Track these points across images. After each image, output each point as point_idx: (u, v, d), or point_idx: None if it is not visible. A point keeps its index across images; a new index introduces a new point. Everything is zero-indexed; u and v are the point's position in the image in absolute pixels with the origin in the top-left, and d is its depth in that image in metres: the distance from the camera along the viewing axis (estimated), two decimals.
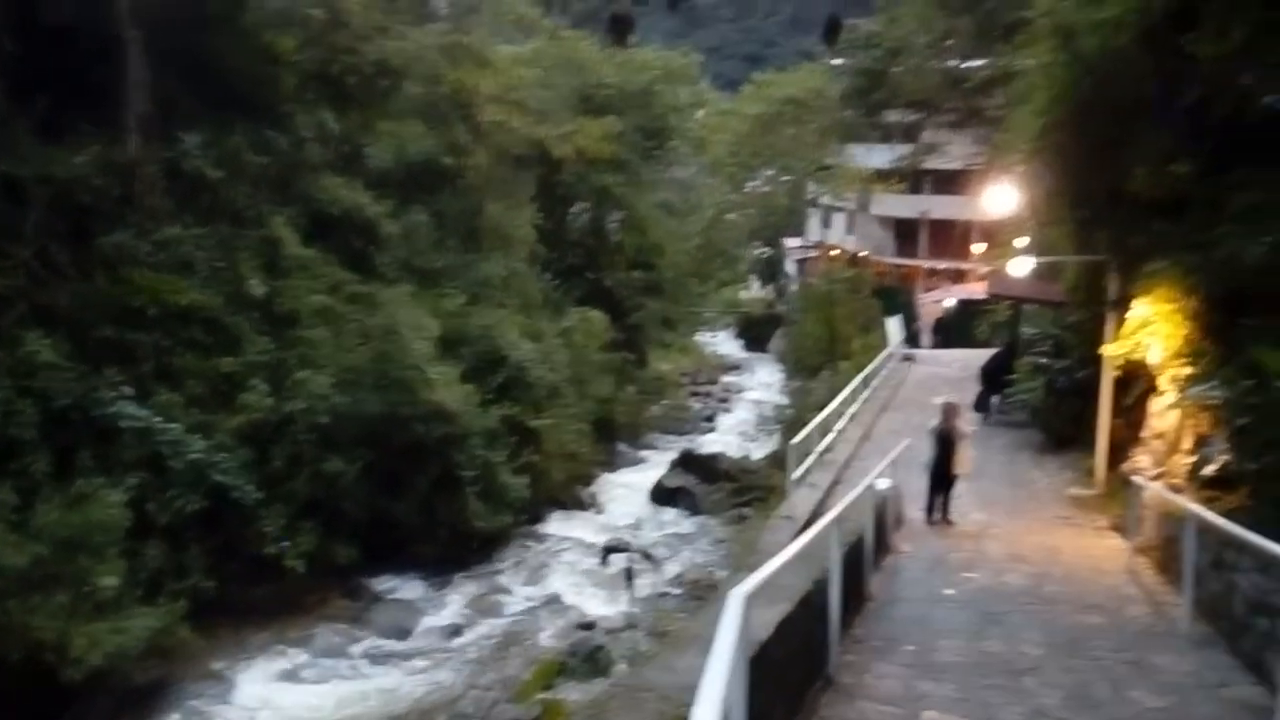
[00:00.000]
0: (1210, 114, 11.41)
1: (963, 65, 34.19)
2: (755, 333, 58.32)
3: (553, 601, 20.63)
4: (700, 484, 27.91)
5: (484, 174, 28.09)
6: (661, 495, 28.24)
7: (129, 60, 19.68)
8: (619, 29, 12.84)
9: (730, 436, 35.16)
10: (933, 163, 43.46)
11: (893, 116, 44.11)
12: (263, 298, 20.70)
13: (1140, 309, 13.02)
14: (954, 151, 39.68)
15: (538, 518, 25.33)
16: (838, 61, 40.37)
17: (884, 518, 11.90)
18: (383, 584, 20.77)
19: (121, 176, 19.51)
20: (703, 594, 19.00)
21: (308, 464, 19.42)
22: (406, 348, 21.12)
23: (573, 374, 28.40)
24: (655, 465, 31.19)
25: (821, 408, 19.60)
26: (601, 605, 20.44)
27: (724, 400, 44.35)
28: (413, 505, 21.19)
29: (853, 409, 21.50)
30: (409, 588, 20.92)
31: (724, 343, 57.29)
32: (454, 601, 20.66)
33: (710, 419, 40.02)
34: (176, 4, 20.59)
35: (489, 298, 26.90)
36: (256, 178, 21.95)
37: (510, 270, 28.89)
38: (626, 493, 28.92)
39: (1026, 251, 18.71)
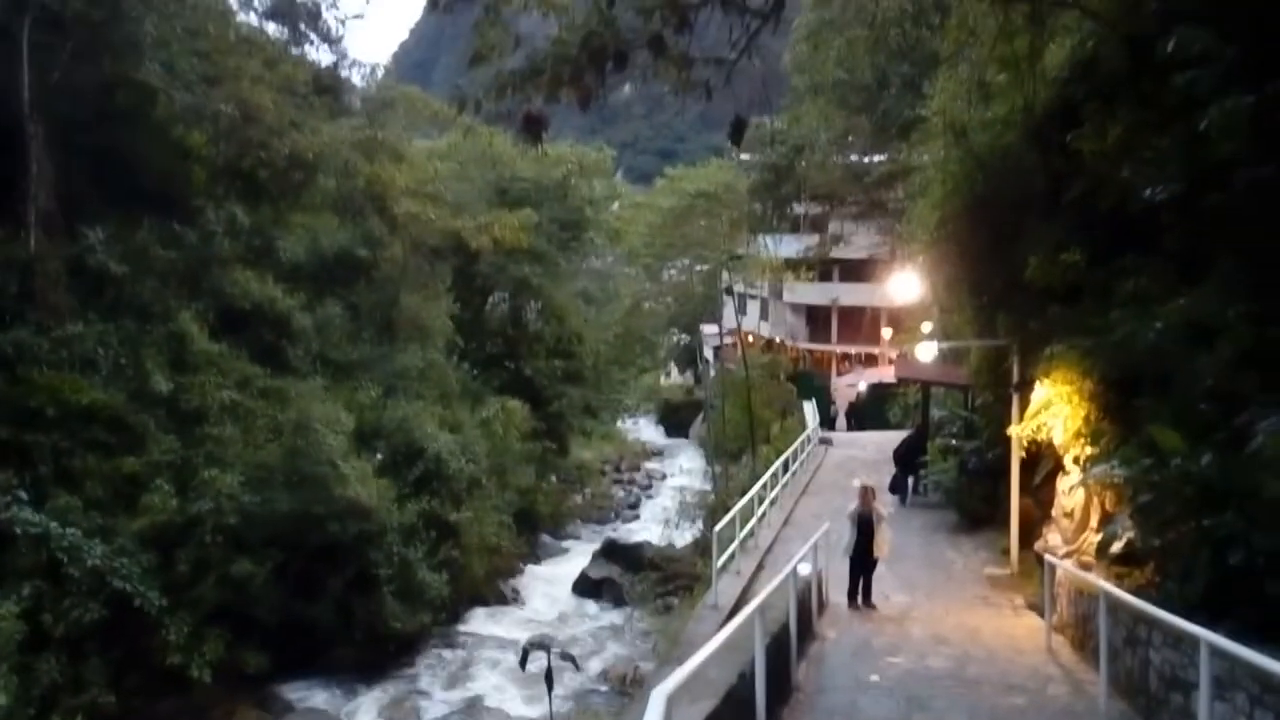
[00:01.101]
0: (1096, 206, 12.10)
1: (864, 160, 35.68)
2: (676, 418, 58.66)
3: (474, 705, 19.98)
4: (624, 574, 27.60)
5: (400, 265, 27.99)
6: (585, 587, 27.81)
7: (31, 154, 19.26)
8: (533, 128, 13.11)
9: (654, 524, 34.97)
10: (840, 252, 44.91)
11: (800, 208, 45.61)
12: (168, 395, 20.09)
13: (1042, 391, 13.50)
14: (860, 241, 41.14)
15: (458, 615, 24.65)
16: (746, 157, 41.73)
17: (808, 604, 11.90)
18: (295, 692, 19.85)
19: (21, 273, 18.94)
20: (629, 690, 18.62)
21: (215, 567, 18.65)
22: (320, 443, 20.64)
23: (493, 464, 28.06)
24: (579, 555, 30.78)
25: (743, 492, 19.69)
26: (524, 706, 19.84)
27: (647, 487, 44.26)
28: (327, 608, 20.44)
29: (774, 493, 21.67)
30: (323, 695, 20.04)
31: (646, 429, 57.44)
32: (370, 709, 19.84)
33: (634, 506, 39.84)
34: (84, 98, 20.32)
35: (406, 389, 26.57)
36: (164, 272, 21.52)
37: (427, 361, 28.64)
38: (549, 585, 28.42)
39: (932, 336, 19.33)
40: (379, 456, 23.09)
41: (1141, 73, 11.07)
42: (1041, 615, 12.74)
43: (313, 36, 26.34)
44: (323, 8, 25.92)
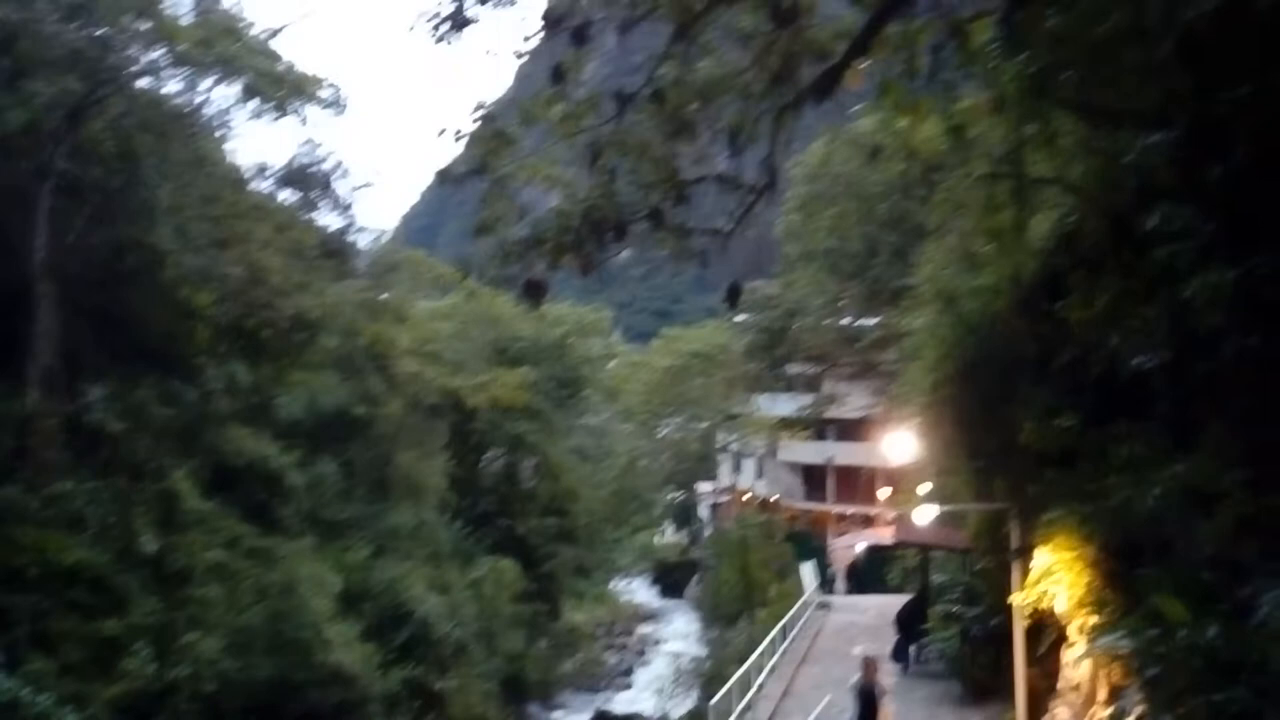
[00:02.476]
0: (1087, 372, 12.27)
1: (856, 324, 36.44)
2: (671, 579, 57.51)
3: None
4: None
5: (396, 423, 28.12)
6: None
7: (39, 312, 19.63)
8: (534, 294, 13.50)
9: (647, 693, 33.74)
10: (835, 411, 45.16)
11: (795, 369, 46.19)
12: (154, 555, 19.75)
13: (1043, 557, 13.31)
14: (854, 401, 41.43)
15: None
16: (741, 318, 42.69)
17: None
18: None
19: (17, 430, 18.95)
20: None
21: None
22: (304, 605, 20.16)
23: (481, 628, 27.34)
24: None
25: (741, 660, 19.10)
26: None
27: (641, 652, 42.93)
28: None
29: (772, 661, 20.98)
30: None
31: (640, 590, 56.20)
32: None
33: (626, 673, 38.52)
34: (95, 259, 20.86)
35: (396, 549, 26.17)
36: (160, 430, 21.55)
37: (419, 520, 28.34)
38: None
39: (929, 499, 19.19)
40: (365, 620, 22.51)
41: (1124, 245, 11.45)
42: None
43: (323, 203, 27.34)
44: (334, 177, 27.02)
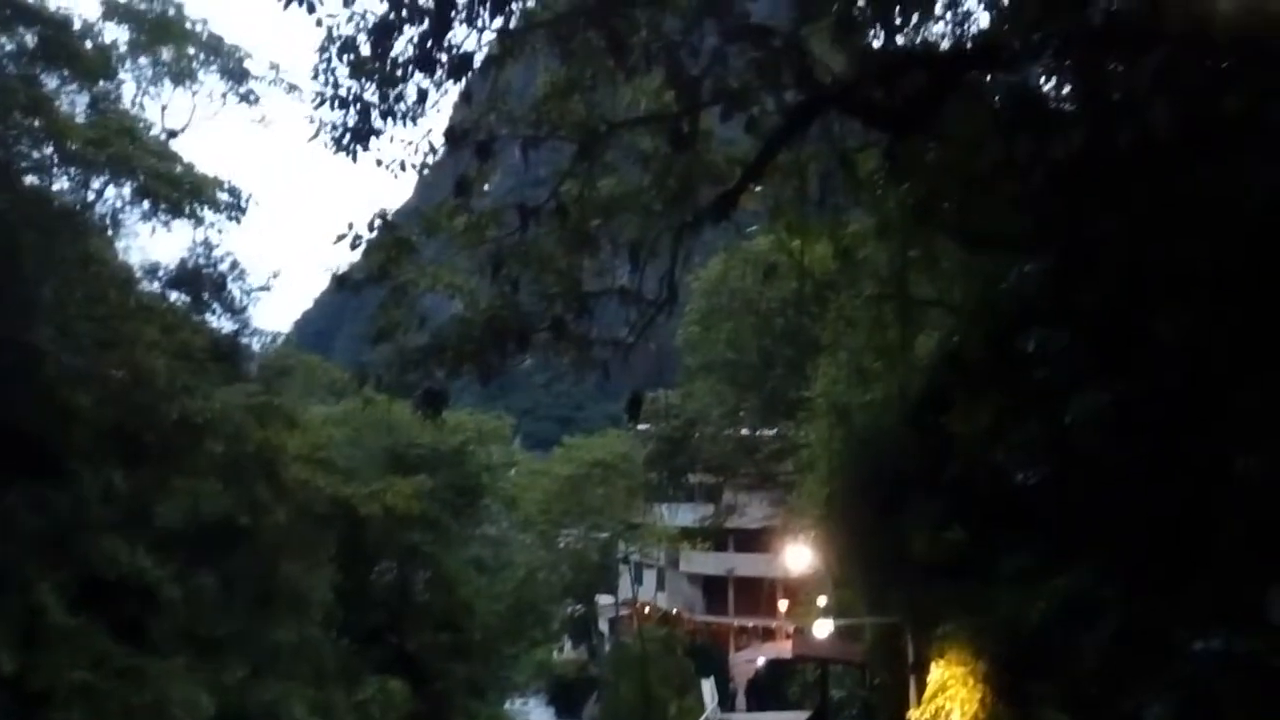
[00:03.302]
0: (973, 486, 12.66)
1: (755, 434, 36.96)
2: (569, 698, 55.76)
3: None
4: None
5: (282, 533, 26.91)
6: None
7: None
8: (432, 403, 13.29)
9: None
10: (736, 522, 45.32)
11: (695, 478, 46.38)
12: (12, 675, 18.24)
13: (937, 671, 13.43)
14: (755, 512, 41.71)
15: None
16: (643, 427, 42.88)
17: None
18: None
19: None
20: None
21: None
22: None
23: None
24: None
25: None
26: None
27: None
28: None
29: None
30: None
31: (535, 710, 54.20)
32: None
33: None
34: None
35: (277, 668, 24.76)
36: (28, 540, 20.18)
37: (303, 636, 26.92)
38: None
39: (827, 611, 19.28)
40: None
41: (1004, 364, 12.01)
42: None
43: (216, 305, 26.69)
44: (229, 279, 26.48)
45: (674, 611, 55.06)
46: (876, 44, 8.99)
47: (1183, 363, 8.68)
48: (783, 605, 43.56)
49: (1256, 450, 8.45)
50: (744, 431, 37.50)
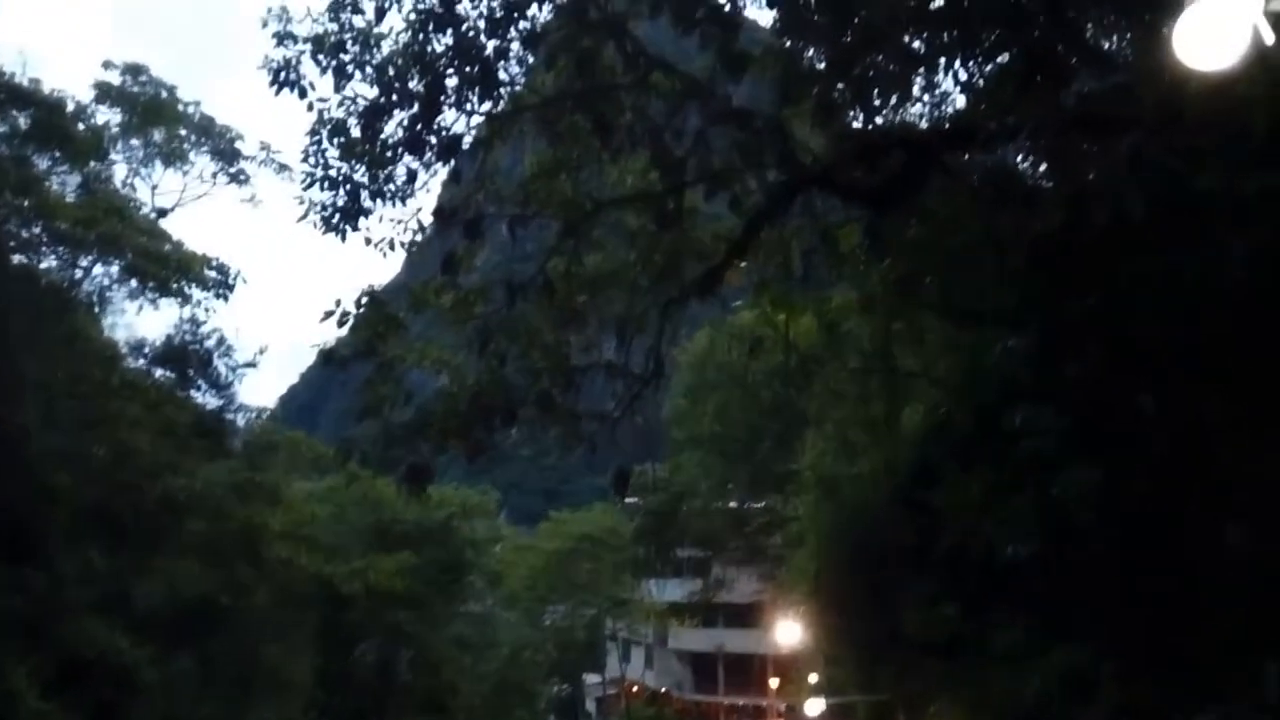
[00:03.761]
0: (964, 560, 12.56)
1: (744, 507, 36.70)
2: None
3: None
4: None
5: (263, 614, 26.45)
6: None
7: None
8: (417, 479, 13.17)
9: None
10: (725, 597, 44.69)
11: (684, 553, 45.86)
12: None
13: None
14: (744, 587, 41.19)
15: None
16: (630, 500, 42.54)
17: None
18: None
19: None
20: None
21: None
22: None
23: None
24: None
25: None
26: None
27: None
28: None
29: None
30: None
31: None
32: None
33: None
34: None
35: None
36: (3, 621, 19.72)
37: None
38: None
39: (818, 689, 18.95)
40: None
41: (991, 438, 12.02)
42: None
43: (201, 382, 26.59)
44: (215, 355, 26.42)
45: (663, 690, 53.95)
46: (856, 125, 9.20)
47: (1169, 435, 8.73)
48: (774, 683, 42.80)
49: (1245, 520, 8.45)
50: (732, 505, 37.24)
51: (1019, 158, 9.33)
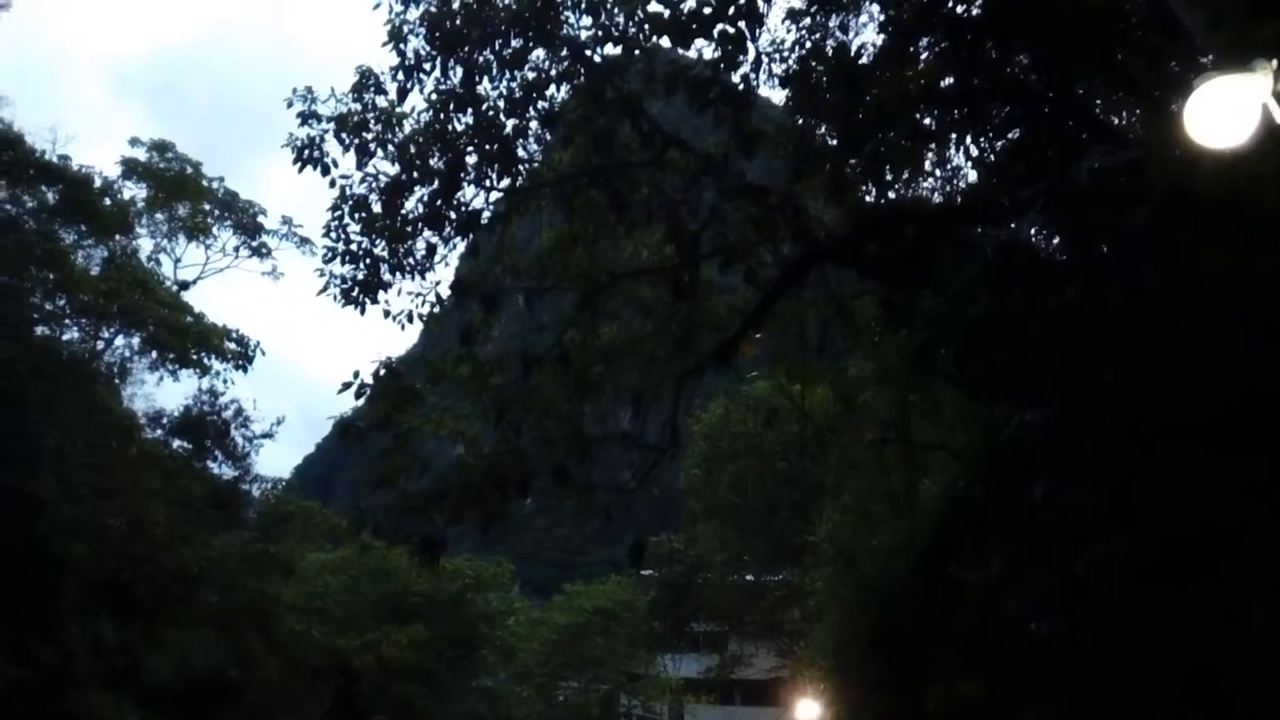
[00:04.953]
0: (987, 635, 12.30)
1: (761, 579, 36.19)
2: None
3: None
4: None
5: (274, 687, 26.09)
6: None
7: None
8: (430, 550, 13.12)
9: None
10: (742, 673, 43.85)
11: (700, 627, 45.16)
12: None
13: None
14: (761, 662, 40.44)
15: None
16: (645, 573, 42.02)
17: None
18: None
19: None
20: None
21: None
22: None
23: None
24: None
25: None
26: None
27: None
28: None
29: None
30: None
31: None
32: None
33: None
34: None
35: None
36: (12, 695, 19.54)
37: None
38: None
39: None
40: None
41: (1012, 511, 11.87)
42: None
43: (218, 453, 26.67)
44: (232, 426, 26.55)
45: None
46: (869, 200, 9.31)
47: (1191, 510, 8.59)
48: None
49: (1272, 597, 8.27)
50: (749, 577, 36.72)
51: (1032, 231, 9.40)
